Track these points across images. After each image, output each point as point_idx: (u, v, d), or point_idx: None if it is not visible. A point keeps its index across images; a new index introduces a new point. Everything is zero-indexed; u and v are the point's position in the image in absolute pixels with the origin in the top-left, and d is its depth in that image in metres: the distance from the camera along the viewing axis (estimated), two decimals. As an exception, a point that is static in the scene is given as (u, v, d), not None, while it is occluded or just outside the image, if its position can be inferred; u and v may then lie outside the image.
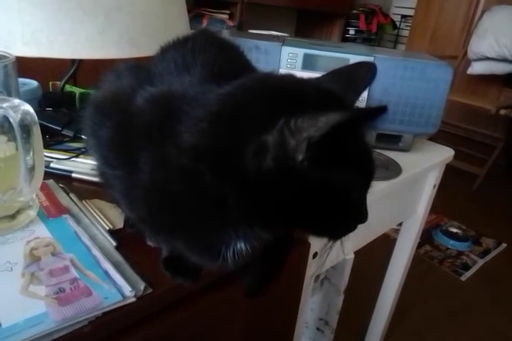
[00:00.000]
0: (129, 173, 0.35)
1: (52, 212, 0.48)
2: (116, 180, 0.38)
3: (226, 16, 2.38)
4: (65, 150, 0.64)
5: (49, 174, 0.56)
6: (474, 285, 1.59)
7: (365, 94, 0.75)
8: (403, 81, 0.76)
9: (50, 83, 0.89)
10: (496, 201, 2.31)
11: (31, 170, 0.43)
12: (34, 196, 0.47)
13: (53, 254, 0.41)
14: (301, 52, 0.75)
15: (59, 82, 0.80)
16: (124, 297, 0.36)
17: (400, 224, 1.01)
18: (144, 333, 0.38)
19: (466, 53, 2.58)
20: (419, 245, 1.72)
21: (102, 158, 0.40)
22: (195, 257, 0.37)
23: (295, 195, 0.30)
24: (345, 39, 3.05)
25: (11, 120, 0.39)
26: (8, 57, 0.45)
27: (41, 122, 0.43)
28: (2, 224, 0.44)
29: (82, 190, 0.55)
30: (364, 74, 0.39)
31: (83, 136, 0.45)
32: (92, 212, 0.49)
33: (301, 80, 0.35)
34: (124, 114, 0.36)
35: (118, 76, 0.42)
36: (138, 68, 0.42)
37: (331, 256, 0.55)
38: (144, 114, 0.35)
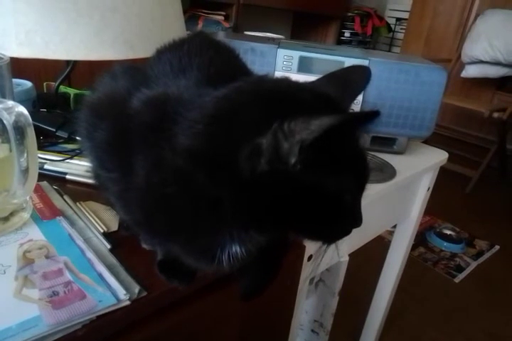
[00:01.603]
0: (124, 176, 0.35)
1: (46, 214, 0.48)
2: (111, 182, 0.38)
3: (222, 17, 2.38)
4: (59, 152, 0.63)
5: (43, 176, 0.56)
6: (468, 287, 1.60)
7: (360, 97, 0.76)
8: (398, 84, 0.76)
9: (45, 84, 0.88)
10: (490, 203, 2.33)
11: (25, 172, 0.42)
12: (28, 198, 0.47)
13: (47, 257, 0.41)
14: (296, 54, 0.76)
15: (53, 83, 0.79)
16: (119, 300, 0.36)
17: (395, 227, 1.02)
18: (138, 336, 0.38)
19: (459, 56, 2.60)
20: (413, 247, 1.73)
21: (97, 161, 0.40)
22: (190, 260, 0.37)
23: (289, 198, 0.30)
24: (340, 41, 3.06)
25: (4, 122, 0.39)
26: (2, 59, 0.44)
27: (35, 123, 0.42)
28: (-5, 227, 0.43)
29: (77, 191, 0.55)
30: (359, 77, 0.39)
31: (78, 138, 0.45)
32: (87, 214, 0.49)
33: (296, 84, 0.36)
34: (120, 116, 0.36)
35: (113, 78, 0.41)
36: (134, 70, 0.42)
37: (326, 259, 0.56)
38: (140, 117, 0.35)
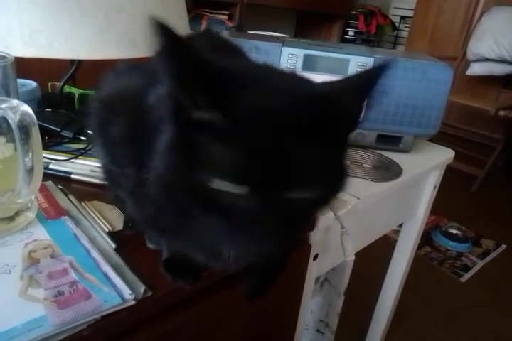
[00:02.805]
0: (138, 171, 0.35)
1: (51, 213, 0.47)
2: (123, 178, 0.37)
3: (225, 17, 2.38)
4: (64, 152, 0.63)
5: (48, 175, 0.56)
6: (474, 287, 1.59)
7: (365, 95, 0.75)
8: (404, 82, 0.75)
9: (49, 84, 0.89)
10: (496, 202, 2.31)
11: (30, 171, 0.42)
12: (33, 198, 0.47)
13: (52, 257, 0.40)
14: (301, 53, 0.75)
15: (58, 83, 0.80)
16: (124, 300, 0.36)
17: (400, 226, 1.01)
18: (143, 336, 0.38)
19: (465, 54, 2.58)
20: (419, 246, 1.71)
21: (109, 156, 0.39)
22: (199, 256, 0.37)
23: None
24: (344, 40, 3.05)
25: (9, 121, 0.39)
26: (6, 58, 0.44)
27: (40, 123, 0.42)
28: (0, 226, 0.43)
29: (82, 191, 0.55)
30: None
31: (89, 134, 0.44)
32: (92, 213, 0.49)
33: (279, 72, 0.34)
34: (136, 112, 0.36)
35: (118, 76, 0.41)
36: (137, 69, 0.42)
37: (332, 258, 0.55)
38: (157, 112, 0.35)
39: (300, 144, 0.25)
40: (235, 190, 0.25)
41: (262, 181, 0.25)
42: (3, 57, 0.45)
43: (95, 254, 0.41)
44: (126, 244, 0.44)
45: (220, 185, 0.25)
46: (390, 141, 0.80)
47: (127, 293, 0.37)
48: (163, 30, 0.23)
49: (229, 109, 0.25)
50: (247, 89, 0.26)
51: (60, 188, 0.54)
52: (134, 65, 0.43)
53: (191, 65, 0.24)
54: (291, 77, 0.32)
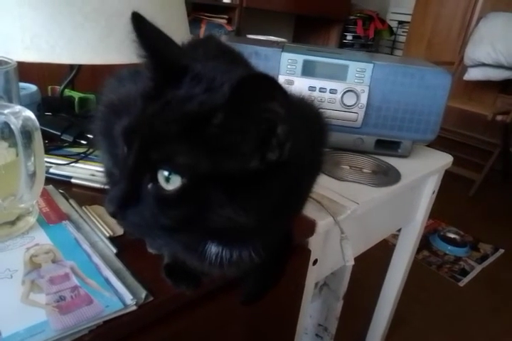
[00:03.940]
0: None
1: (52, 218, 0.48)
2: None
3: (224, 21, 2.39)
4: (65, 156, 0.63)
5: (48, 179, 0.55)
6: (472, 291, 1.59)
7: (364, 101, 0.76)
8: (402, 87, 0.76)
9: (49, 87, 0.89)
10: (493, 206, 2.32)
11: (32, 176, 0.42)
12: (34, 202, 0.47)
13: (54, 261, 0.40)
14: (300, 58, 0.76)
15: (58, 87, 0.80)
16: (125, 305, 0.36)
17: (399, 230, 1.01)
18: (144, 342, 0.38)
19: (462, 59, 2.60)
20: (417, 250, 1.70)
21: (114, 159, 0.40)
22: (194, 262, 0.37)
23: None
24: (342, 44, 3.07)
25: (12, 126, 0.39)
26: (9, 63, 0.44)
27: (40, 127, 0.42)
28: (2, 231, 0.43)
29: (82, 195, 0.55)
30: None
31: (90, 137, 0.45)
32: (92, 218, 0.49)
33: None
34: None
35: (120, 81, 0.42)
36: (139, 74, 0.42)
37: (331, 263, 0.55)
38: None
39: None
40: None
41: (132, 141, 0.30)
42: (6, 62, 0.45)
43: (96, 259, 0.41)
44: (127, 249, 0.44)
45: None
46: (388, 146, 0.81)
47: (129, 298, 0.37)
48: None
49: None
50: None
51: (60, 193, 0.54)
52: (136, 70, 0.43)
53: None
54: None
